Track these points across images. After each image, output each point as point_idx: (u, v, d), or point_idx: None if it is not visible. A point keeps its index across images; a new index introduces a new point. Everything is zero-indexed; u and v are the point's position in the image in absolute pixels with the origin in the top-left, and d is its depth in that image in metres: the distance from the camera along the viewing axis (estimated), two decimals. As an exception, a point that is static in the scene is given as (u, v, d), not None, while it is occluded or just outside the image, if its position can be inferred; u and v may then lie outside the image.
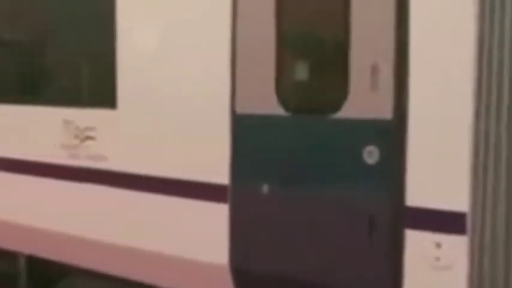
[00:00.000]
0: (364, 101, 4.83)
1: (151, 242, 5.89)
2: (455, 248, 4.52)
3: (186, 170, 5.67)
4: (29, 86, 6.87)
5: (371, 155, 4.83)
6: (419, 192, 4.64)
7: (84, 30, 6.37)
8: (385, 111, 4.74)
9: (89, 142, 6.34)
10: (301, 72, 5.25)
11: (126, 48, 6.02)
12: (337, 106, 4.95)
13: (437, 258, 4.60)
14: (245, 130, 5.38)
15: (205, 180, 5.60)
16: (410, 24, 4.63)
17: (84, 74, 6.44)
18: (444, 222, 4.55)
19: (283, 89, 5.21)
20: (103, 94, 6.23)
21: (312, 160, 5.07)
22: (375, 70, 4.77)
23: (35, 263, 7.01)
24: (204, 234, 5.59)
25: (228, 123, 5.44)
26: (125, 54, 6.02)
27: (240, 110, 5.39)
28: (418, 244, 4.64)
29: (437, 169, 4.57)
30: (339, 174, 4.97)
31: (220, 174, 5.49)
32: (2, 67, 7.13)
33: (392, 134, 4.74)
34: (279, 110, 5.20)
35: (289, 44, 5.22)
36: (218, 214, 5.50)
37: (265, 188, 5.29)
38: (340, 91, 4.92)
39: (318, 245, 5.06)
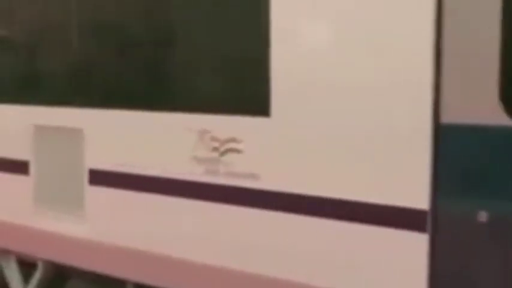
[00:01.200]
0: None
1: (321, 278, 4.91)
2: None
3: (366, 191, 4.69)
4: (155, 89, 5.88)
5: None
6: None
7: (227, 26, 5.39)
8: None
9: (231, 156, 5.35)
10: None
11: (283, 47, 5.04)
12: None
13: None
14: (453, 143, 4.39)
15: (391, 204, 4.62)
16: None
17: (225, 75, 5.45)
18: None
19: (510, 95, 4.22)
20: (252, 99, 5.25)
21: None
22: None
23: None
24: (393, 267, 4.60)
25: (428, 134, 4.45)
26: (282, 53, 5.04)
27: (446, 119, 4.40)
28: None
29: None
30: None
31: (415, 197, 4.50)
32: (122, 68, 6.15)
33: None
34: (505, 120, 4.21)
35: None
36: (412, 245, 4.52)
37: (481, 216, 4.30)
38: None
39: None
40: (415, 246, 4.51)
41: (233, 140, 5.33)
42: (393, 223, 4.59)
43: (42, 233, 6.77)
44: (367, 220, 4.70)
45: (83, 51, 6.37)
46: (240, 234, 5.33)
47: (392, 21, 4.55)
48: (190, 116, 5.59)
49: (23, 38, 6.93)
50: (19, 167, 6.94)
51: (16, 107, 6.99)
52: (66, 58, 6.53)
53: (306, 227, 4.97)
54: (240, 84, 5.34)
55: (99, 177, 6.29)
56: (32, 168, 6.87)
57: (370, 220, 4.68)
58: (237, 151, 5.31)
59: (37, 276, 6.97)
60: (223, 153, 5.40)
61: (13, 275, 7.23)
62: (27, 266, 7.15)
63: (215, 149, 5.44)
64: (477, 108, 4.30)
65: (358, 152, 4.72)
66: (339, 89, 4.80)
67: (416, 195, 4.50)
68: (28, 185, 6.89)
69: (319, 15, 4.90)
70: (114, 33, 6.17)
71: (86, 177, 6.38)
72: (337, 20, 4.80)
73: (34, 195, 6.86)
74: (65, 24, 6.52)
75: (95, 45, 6.27)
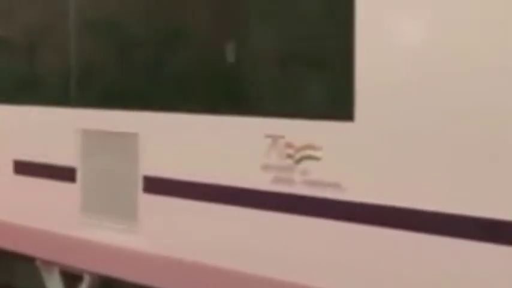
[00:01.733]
0: None
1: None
2: None
3: (470, 204, 4.26)
4: (221, 91, 5.49)
5: None
6: None
7: (305, 22, 4.99)
8: None
9: (308, 163, 4.94)
10: None
11: (369, 42, 4.63)
12: None
13: None
14: None
15: (498, 218, 4.19)
16: None
17: (303, 75, 5.04)
18: None
19: None
20: (333, 102, 4.84)
21: None
22: None
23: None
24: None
25: None
26: (368, 49, 4.63)
27: None
28: None
29: None
30: None
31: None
32: (183, 68, 5.75)
33: None
34: None
35: None
36: None
37: None
38: None
39: None
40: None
41: (310, 146, 4.92)
42: (502, 239, 4.17)
43: (90, 244, 6.37)
44: (475, 236, 4.26)
45: (141, 48, 5.97)
46: (317, 249, 4.92)
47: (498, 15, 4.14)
48: (261, 120, 5.19)
49: (72, 36, 6.54)
50: (65, 174, 6.54)
51: (62, 109, 6.59)
52: (120, 56, 6.14)
53: (395, 242, 4.55)
54: (320, 86, 4.93)
55: (154, 185, 5.89)
56: (79, 175, 6.46)
57: (479, 236, 4.24)
58: (315, 158, 4.90)
59: (83, 288, 6.58)
60: (298, 161, 4.99)
61: (56, 287, 6.82)
62: (71, 278, 6.74)
63: (289, 156, 5.03)
64: None
65: (456, 160, 4.30)
66: (432, 91, 4.38)
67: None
68: (75, 192, 6.49)
69: (410, 6, 4.48)
70: (181, 31, 5.77)
71: (140, 184, 5.98)
72: (432, 10, 4.38)
73: (81, 203, 6.45)
74: (124, 21, 6.14)
75: (156, 42, 5.88)
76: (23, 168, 6.96)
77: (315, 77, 4.96)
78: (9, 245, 7.07)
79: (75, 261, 6.51)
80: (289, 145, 5.03)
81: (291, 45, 5.05)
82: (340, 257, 4.79)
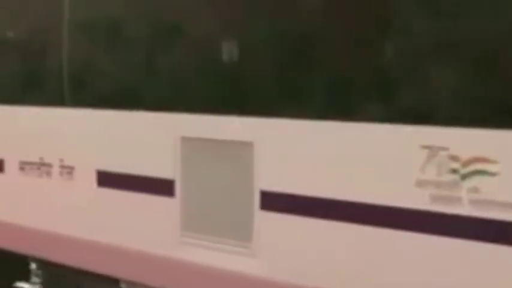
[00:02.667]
0: None
1: None
2: None
3: None
4: (356, 94, 4.78)
5: None
6: None
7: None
8: None
9: (480, 180, 4.20)
10: None
11: None
12: None
13: None
14: None
15: None
16: None
17: (462, 73, 4.33)
18: None
19: None
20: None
21: None
22: None
23: None
24: None
25: None
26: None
27: None
28: None
29: None
30: None
31: None
32: (306, 67, 5.04)
33: None
34: None
35: None
36: None
37: None
38: None
39: None
40: None
41: (482, 159, 4.19)
42: None
43: (191, 266, 5.65)
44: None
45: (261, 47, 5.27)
46: (488, 280, 4.18)
47: None
48: (415, 128, 4.46)
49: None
50: (162, 187, 5.81)
51: (158, 115, 5.87)
52: (229, 54, 5.44)
53: None
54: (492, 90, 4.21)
55: (274, 201, 5.17)
56: (178, 189, 5.73)
57: None
58: (489, 174, 4.17)
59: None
60: (466, 177, 4.26)
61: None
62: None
63: (454, 171, 4.29)
64: None
65: None
66: None
67: None
68: (173, 208, 5.76)
69: None
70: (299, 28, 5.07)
71: (256, 200, 5.25)
72: None
73: (181, 220, 5.73)
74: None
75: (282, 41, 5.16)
76: (108, 180, 6.24)
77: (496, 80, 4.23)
78: (93, 266, 6.35)
79: (173, 286, 5.78)
80: (454, 158, 4.30)
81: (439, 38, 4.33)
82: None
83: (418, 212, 4.46)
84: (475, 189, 4.23)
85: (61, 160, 6.60)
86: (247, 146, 5.28)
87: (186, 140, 5.68)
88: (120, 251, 6.13)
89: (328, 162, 4.88)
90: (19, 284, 7.70)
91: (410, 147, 4.47)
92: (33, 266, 7.38)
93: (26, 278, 7.51)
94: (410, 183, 4.47)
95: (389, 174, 4.58)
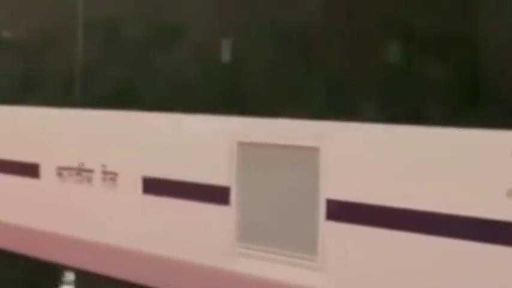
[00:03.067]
0: None
1: None
2: None
3: None
4: (452, 96, 4.42)
5: None
6: None
7: None
8: None
9: None
10: None
11: None
12: None
13: None
14: None
15: None
16: None
17: None
18: None
19: None
20: None
21: None
22: None
23: None
24: None
25: None
26: None
27: None
28: None
29: None
30: None
31: None
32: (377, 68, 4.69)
33: None
34: None
35: None
36: None
37: None
38: None
39: None
40: None
41: None
42: None
43: (247, 279, 5.29)
44: None
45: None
46: None
47: None
48: (507, 134, 4.11)
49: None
50: (216, 195, 5.46)
51: (211, 118, 5.52)
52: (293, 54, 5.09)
53: None
54: None
55: (342, 211, 4.81)
56: (234, 197, 5.38)
57: None
58: None
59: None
60: None
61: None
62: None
63: (556, 179, 3.94)
64: None
65: None
66: None
67: None
68: (228, 217, 5.41)
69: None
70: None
71: (321, 210, 4.90)
72: None
73: (236, 230, 5.37)
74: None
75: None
76: (155, 186, 5.89)
77: None
78: (138, 278, 6.00)
79: (226, 300, 5.44)
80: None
81: None
82: None
83: (510, 224, 4.10)
84: None
85: (103, 166, 6.25)
86: (313, 151, 4.93)
87: (242, 146, 5.32)
88: (168, 262, 5.77)
89: (404, 169, 4.52)
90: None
91: (499, 154, 4.11)
92: (69, 277, 7.04)
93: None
94: (501, 193, 4.11)
95: (477, 183, 4.22)
